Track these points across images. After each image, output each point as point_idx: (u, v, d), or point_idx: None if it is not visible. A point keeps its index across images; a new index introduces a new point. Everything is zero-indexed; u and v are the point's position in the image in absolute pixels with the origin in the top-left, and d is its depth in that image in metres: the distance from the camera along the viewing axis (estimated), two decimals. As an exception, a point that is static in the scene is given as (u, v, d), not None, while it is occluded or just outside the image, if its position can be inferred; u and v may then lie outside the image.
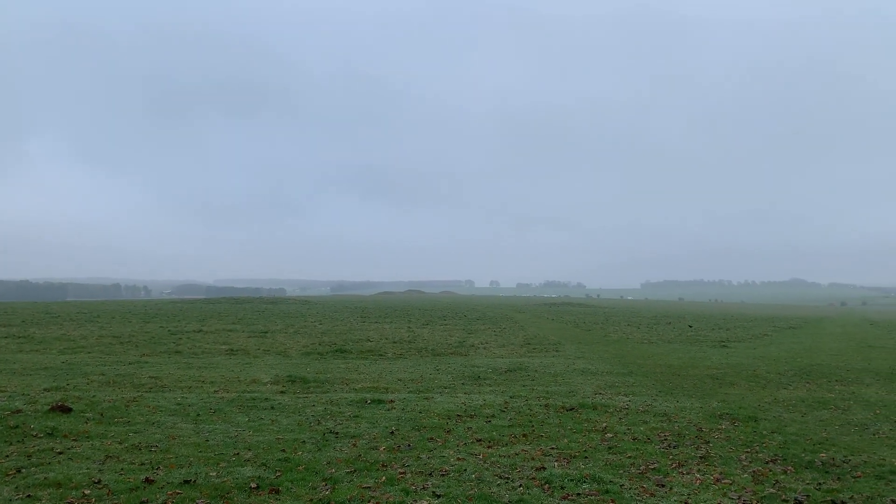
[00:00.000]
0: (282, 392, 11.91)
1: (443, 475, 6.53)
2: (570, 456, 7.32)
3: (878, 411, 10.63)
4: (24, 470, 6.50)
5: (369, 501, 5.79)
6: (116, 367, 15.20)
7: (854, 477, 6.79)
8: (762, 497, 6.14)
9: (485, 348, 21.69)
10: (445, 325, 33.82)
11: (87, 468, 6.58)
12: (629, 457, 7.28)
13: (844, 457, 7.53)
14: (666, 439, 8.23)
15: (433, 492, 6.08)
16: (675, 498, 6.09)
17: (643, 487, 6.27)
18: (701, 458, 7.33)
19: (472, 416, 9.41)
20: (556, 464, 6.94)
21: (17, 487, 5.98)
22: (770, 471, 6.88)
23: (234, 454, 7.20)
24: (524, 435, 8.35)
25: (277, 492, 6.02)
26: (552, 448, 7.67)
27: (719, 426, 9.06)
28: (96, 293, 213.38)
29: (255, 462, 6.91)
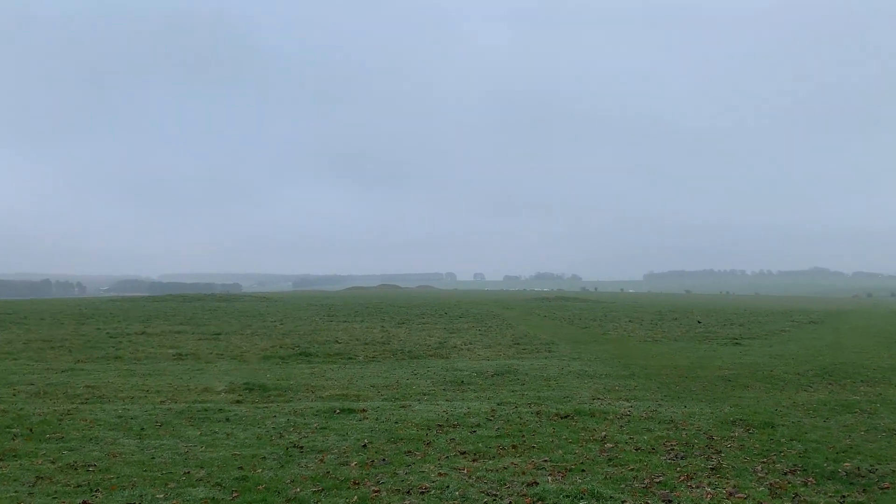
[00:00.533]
0: (238, 402, 11.88)
1: (422, 493, 6.54)
2: (566, 469, 7.36)
3: (906, 415, 11.16)
4: (-62, 495, 6.64)
5: (339, 524, 5.80)
6: (47, 375, 15.06)
7: (881, 488, 6.87)
8: (779, 511, 6.33)
9: (468, 349, 21.75)
10: (424, 323, 33.85)
11: (15, 491, 6.51)
12: (631, 469, 7.33)
13: (871, 466, 7.59)
14: (672, 449, 8.30)
15: (412, 512, 6.24)
16: (682, 514, 6.26)
17: (647, 503, 6.44)
18: (712, 469, 7.40)
19: (454, 426, 9.45)
20: (549, 478, 6.98)
21: (-70, 515, 5.99)
22: (789, 483, 6.97)
23: (185, 473, 7.16)
24: (514, 446, 8.38)
25: (234, 515, 6.09)
26: (545, 461, 7.71)
27: (732, 434, 9.17)
28: (22, 291, 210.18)
29: (208, 482, 6.87)
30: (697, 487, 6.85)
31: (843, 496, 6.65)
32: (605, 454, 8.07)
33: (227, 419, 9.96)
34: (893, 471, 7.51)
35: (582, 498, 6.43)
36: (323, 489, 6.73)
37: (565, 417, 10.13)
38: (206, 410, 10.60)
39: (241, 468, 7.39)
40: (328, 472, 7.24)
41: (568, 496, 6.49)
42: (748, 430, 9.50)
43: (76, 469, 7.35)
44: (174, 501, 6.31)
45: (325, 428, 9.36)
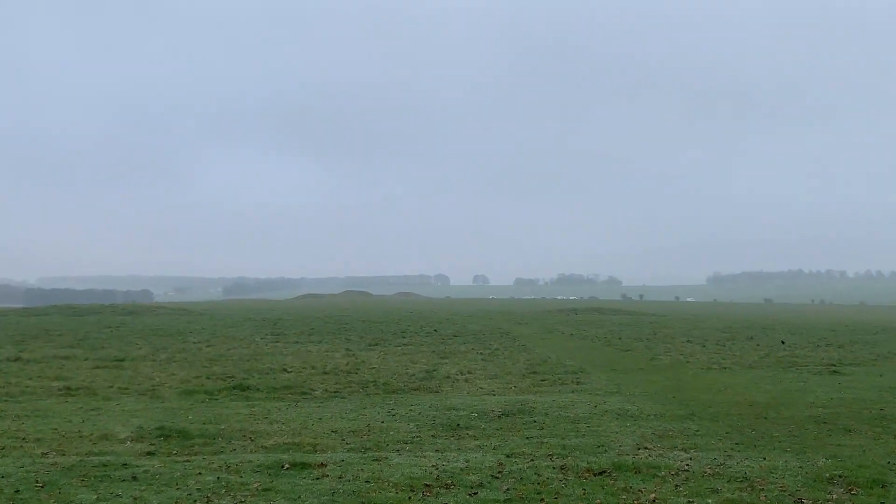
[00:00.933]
0: (149, 454, 11.84)
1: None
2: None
3: None
4: None
5: None
6: None
7: None
8: None
9: (467, 381, 21.86)
10: (405, 345, 33.83)
11: None
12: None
13: None
14: (748, 517, 8.43)
15: None
16: None
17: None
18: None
19: (447, 487, 9.43)
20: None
21: None
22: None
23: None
24: (529, 514, 8.45)
25: None
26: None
27: (829, 496, 9.18)
28: None
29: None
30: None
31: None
32: (656, 525, 8.17)
33: (135, 477, 9.87)
34: None
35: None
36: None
37: (600, 474, 10.12)
38: (104, 466, 10.50)
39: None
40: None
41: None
42: (851, 490, 9.50)
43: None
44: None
45: (269, 490, 9.30)
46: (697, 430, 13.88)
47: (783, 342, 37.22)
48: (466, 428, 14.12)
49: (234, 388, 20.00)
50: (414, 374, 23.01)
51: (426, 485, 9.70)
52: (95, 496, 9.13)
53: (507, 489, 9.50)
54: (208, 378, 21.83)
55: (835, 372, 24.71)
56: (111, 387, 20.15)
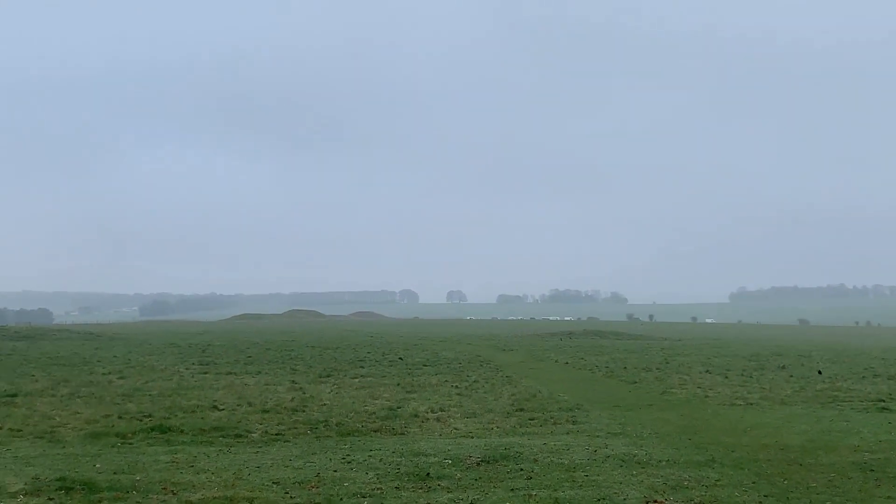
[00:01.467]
0: (47, 511, 12.05)
1: None
2: None
3: None
4: None
5: None
6: None
7: None
8: None
9: (439, 420, 21.95)
10: (364, 376, 33.96)
11: None
12: None
13: None
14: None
15: None
16: None
17: None
18: None
19: (416, 551, 9.53)
20: None
21: None
22: None
23: None
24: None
25: None
26: None
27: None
28: None
29: None
30: None
31: None
32: None
33: (29, 541, 9.88)
34: None
35: None
36: None
37: (601, 534, 10.26)
38: (-9, 527, 10.64)
39: None
40: None
41: None
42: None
43: None
44: None
45: (195, 555, 9.37)
46: (718, 480, 13.86)
47: (821, 372, 37.21)
48: (438, 478, 14.04)
49: (152, 429, 19.86)
50: (374, 413, 23.00)
51: (389, 548, 9.73)
52: (-21, 564, 9.20)
53: (488, 553, 9.50)
54: (120, 418, 21.63)
55: (884, 409, 24.67)
56: (0, 428, 19.87)
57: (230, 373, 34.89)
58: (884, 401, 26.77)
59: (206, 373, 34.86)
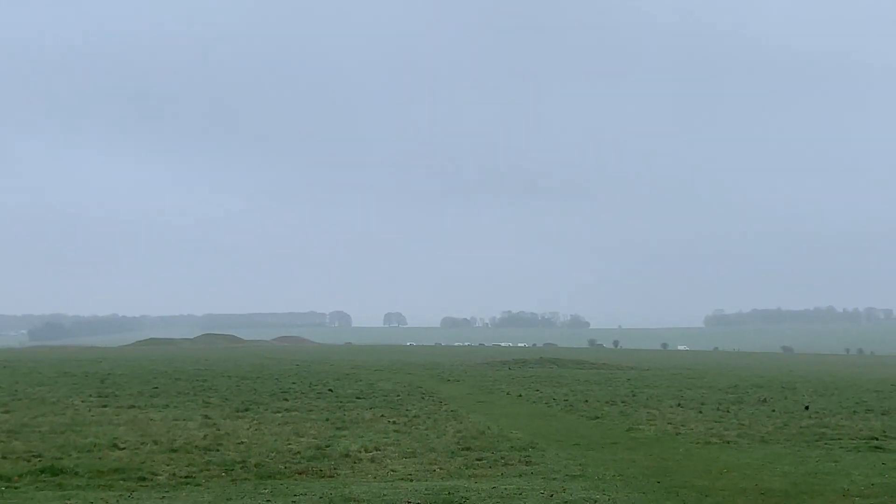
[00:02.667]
0: None
1: None
2: None
3: None
4: None
5: None
6: None
7: None
8: None
9: (373, 461, 22.10)
10: (288, 410, 34.56)
11: None
12: None
13: None
14: None
15: None
16: None
17: None
18: None
19: None
20: None
21: None
22: None
23: None
24: None
25: None
26: None
27: None
28: None
29: None
30: None
31: None
32: None
33: None
34: None
35: None
36: None
37: None
38: None
39: None
40: None
41: None
42: None
43: None
44: None
45: None
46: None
47: (807, 407, 38.16)
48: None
49: (41, 471, 19.63)
50: (299, 452, 23.11)
51: None
52: None
53: None
54: (5, 458, 21.54)
55: (877, 448, 24.88)
56: None
57: (133, 406, 35.31)
58: (877, 439, 27.19)
59: (105, 406, 35.25)
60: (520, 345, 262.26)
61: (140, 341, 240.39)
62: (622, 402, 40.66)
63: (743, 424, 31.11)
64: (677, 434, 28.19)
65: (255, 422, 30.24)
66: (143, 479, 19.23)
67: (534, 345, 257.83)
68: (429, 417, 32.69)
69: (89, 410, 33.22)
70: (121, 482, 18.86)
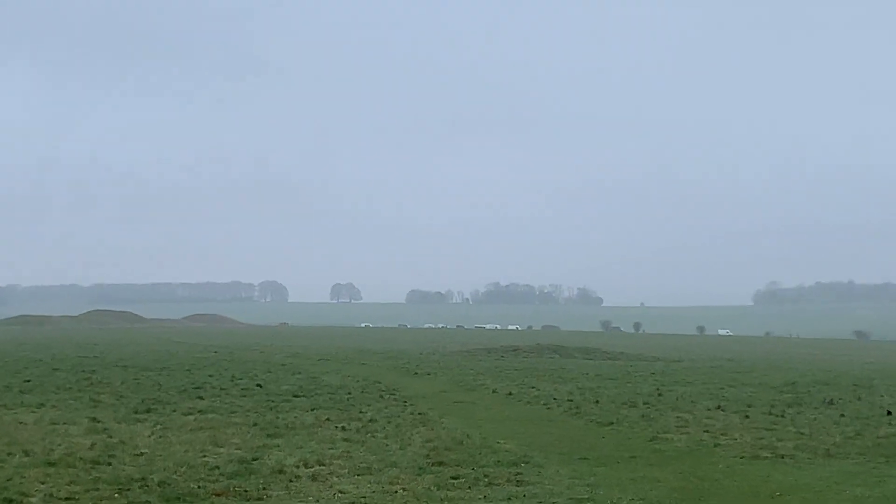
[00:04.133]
0: None
1: None
2: None
3: None
4: None
5: None
6: None
7: None
8: None
9: (315, 478, 20.94)
10: (202, 411, 33.43)
11: None
12: None
13: None
14: None
15: None
16: None
17: None
18: None
19: None
20: None
21: None
22: None
23: None
24: None
25: None
26: None
27: None
28: None
29: None
30: None
31: None
32: None
33: None
34: None
35: None
36: None
37: None
38: None
39: None
40: None
41: None
42: None
43: None
44: None
45: None
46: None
47: (889, 412, 36.83)
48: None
49: None
50: (218, 467, 21.51)
51: None
52: None
53: None
54: None
55: None
56: None
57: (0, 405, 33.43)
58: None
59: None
60: (510, 327, 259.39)
61: (7, 319, 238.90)
62: (644, 404, 38.85)
63: (802, 434, 29.11)
64: (716, 446, 26.24)
65: (158, 427, 28.01)
66: (10, 500, 18.24)
67: (529, 327, 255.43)
68: (389, 422, 30.74)
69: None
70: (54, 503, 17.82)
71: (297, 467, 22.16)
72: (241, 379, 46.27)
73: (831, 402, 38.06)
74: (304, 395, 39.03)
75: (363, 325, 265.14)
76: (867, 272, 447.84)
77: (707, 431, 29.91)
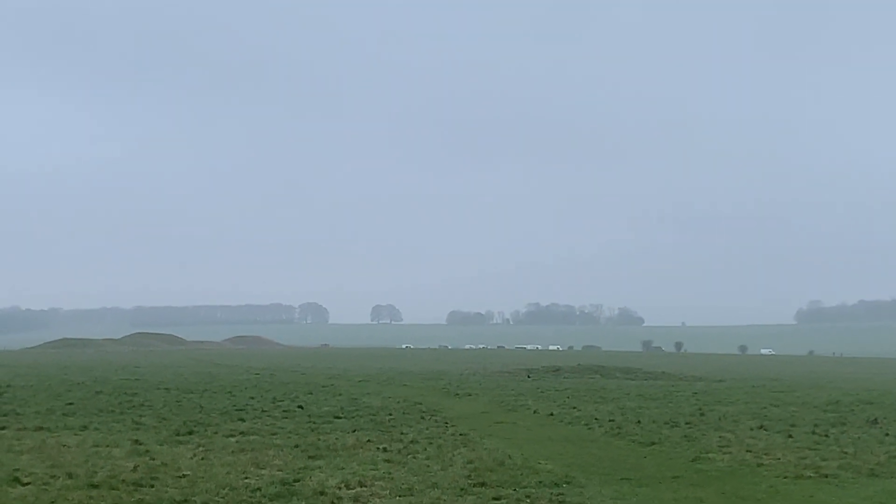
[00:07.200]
0: None
1: None
2: None
3: None
4: None
5: None
6: None
7: None
8: None
9: (357, 499, 21.08)
10: (245, 433, 33.35)
11: None
12: None
13: None
14: None
15: None
16: None
17: None
18: None
19: None
20: None
21: None
22: None
23: None
24: None
25: None
26: None
27: None
28: None
29: None
30: None
31: None
32: None
33: None
34: None
35: None
36: None
37: None
38: None
39: None
40: None
41: None
42: None
43: None
44: None
45: None
46: None
47: (875, 420, 37.65)
48: None
49: None
50: (260, 489, 21.54)
51: None
52: None
53: None
54: None
55: None
56: None
57: (41, 428, 33.62)
58: None
59: (2, 428, 33.82)
60: (551, 348, 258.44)
61: (50, 342, 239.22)
62: (686, 424, 38.69)
63: (846, 453, 28.94)
64: (759, 465, 26.20)
65: (201, 448, 28.13)
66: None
67: (570, 348, 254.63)
68: (430, 443, 30.78)
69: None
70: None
71: (339, 489, 22.29)
72: (282, 400, 45.77)
73: (875, 422, 37.59)
74: (345, 417, 38.71)
75: (404, 346, 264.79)
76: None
77: (750, 451, 29.66)
